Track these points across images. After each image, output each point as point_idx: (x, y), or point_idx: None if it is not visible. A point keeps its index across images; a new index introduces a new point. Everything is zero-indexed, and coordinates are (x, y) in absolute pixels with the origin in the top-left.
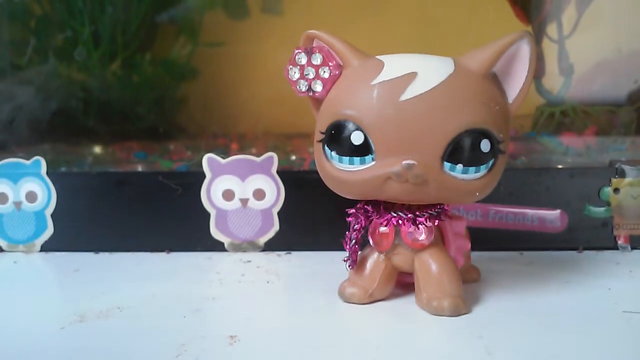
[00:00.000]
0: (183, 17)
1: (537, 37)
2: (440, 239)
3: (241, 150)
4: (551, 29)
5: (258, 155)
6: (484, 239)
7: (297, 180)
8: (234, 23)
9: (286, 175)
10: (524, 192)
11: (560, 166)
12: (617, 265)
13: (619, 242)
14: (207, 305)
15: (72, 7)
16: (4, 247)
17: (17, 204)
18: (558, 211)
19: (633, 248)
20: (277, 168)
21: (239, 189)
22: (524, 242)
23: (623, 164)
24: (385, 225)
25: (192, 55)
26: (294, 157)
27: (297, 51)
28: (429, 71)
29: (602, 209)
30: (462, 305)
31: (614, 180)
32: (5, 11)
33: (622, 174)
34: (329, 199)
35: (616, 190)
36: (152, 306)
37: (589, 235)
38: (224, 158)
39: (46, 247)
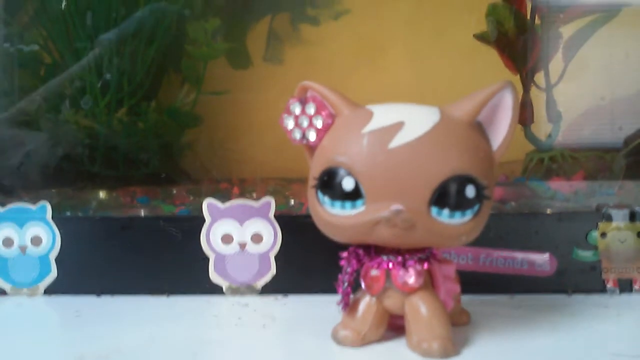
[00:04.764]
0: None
1: (526, 86)
2: (430, 283)
3: (242, 195)
4: (539, 78)
5: (257, 200)
6: (475, 282)
7: (293, 224)
8: (236, 72)
9: (283, 219)
10: (514, 236)
11: (548, 211)
12: (605, 308)
13: (608, 285)
14: (205, 348)
15: (80, 57)
16: (8, 291)
17: (22, 248)
18: (547, 255)
19: (621, 291)
20: (276, 212)
21: (238, 233)
22: (513, 286)
23: (609, 208)
24: (377, 269)
25: (195, 103)
26: (292, 202)
27: (291, 101)
28: (415, 120)
29: (590, 252)
30: (451, 347)
31: (600, 224)
32: (15, 59)
33: (608, 218)
34: (324, 243)
35: (603, 234)
36: (151, 349)
37: (577, 279)
38: (224, 203)
39: (50, 291)
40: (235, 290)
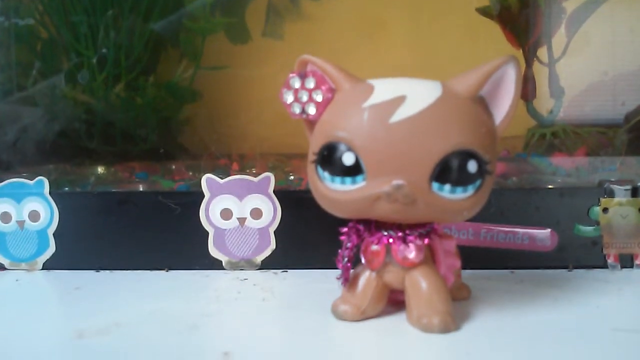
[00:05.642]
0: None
1: (528, 61)
2: (430, 258)
3: (242, 170)
4: (542, 53)
5: (256, 175)
6: (476, 257)
7: (293, 199)
8: (235, 47)
9: (282, 194)
10: (515, 211)
11: (550, 186)
12: (606, 283)
13: (609, 260)
14: (204, 322)
15: (77, 32)
16: (6, 265)
17: (20, 223)
18: (548, 230)
19: (622, 267)
20: (276, 187)
21: (237, 208)
22: (514, 261)
23: (612, 183)
24: (377, 244)
25: (194, 78)
26: (292, 177)
27: (291, 75)
28: (417, 95)
29: (591, 228)
30: (452, 322)
31: (602, 200)
32: (12, 34)
33: (610, 194)
34: (324, 218)
35: (605, 209)
36: (149, 323)
37: (579, 254)
38: (222, 178)
39: (48, 266)
40: (235, 265)
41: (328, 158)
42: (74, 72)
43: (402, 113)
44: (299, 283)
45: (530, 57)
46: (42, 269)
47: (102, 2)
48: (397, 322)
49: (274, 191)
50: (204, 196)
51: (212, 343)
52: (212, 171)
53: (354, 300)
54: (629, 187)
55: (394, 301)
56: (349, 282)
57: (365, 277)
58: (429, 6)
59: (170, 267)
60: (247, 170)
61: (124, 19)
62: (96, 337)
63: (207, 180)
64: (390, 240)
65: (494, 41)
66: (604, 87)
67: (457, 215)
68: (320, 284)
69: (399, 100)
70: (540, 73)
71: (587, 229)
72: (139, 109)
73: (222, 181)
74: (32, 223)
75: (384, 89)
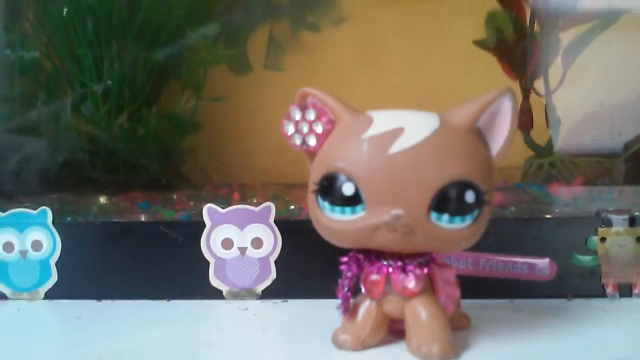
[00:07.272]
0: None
1: (525, 92)
2: (430, 287)
3: (243, 200)
4: (538, 84)
5: (257, 205)
6: (475, 287)
7: (293, 229)
8: (237, 78)
9: (283, 224)
10: (513, 241)
11: (548, 216)
12: (605, 313)
13: (608, 290)
14: (204, 351)
15: (81, 64)
16: (8, 295)
17: (23, 253)
18: (547, 260)
19: (621, 296)
20: (276, 217)
21: (238, 238)
22: (513, 290)
23: (609, 213)
24: (377, 273)
25: (196, 109)
26: (293, 207)
27: (292, 107)
28: (415, 126)
29: (589, 257)
30: (451, 351)
31: (600, 229)
32: (17, 67)
33: (608, 224)
34: (324, 248)
35: (603, 239)
36: (150, 352)
37: (577, 284)
38: (223, 208)
39: (50, 295)
40: (236, 295)
41: (328, 188)
42: (77, 103)
43: (400, 144)
44: (300, 313)
45: (527, 88)
46: (44, 299)
47: (106, 34)
48: (397, 351)
49: (274, 221)
50: (205, 226)
51: None
52: (214, 201)
53: (354, 330)
54: (626, 216)
55: (393, 330)
56: (349, 311)
57: (365, 307)
58: (428, 38)
59: (171, 297)
60: (248, 200)
61: (128, 51)
62: None
63: (208, 210)
64: (390, 269)
65: (492, 71)
66: (600, 117)
67: (456, 244)
68: (320, 314)
69: (398, 131)
70: (537, 104)
71: (585, 259)
72: (141, 140)
73: (223, 211)
74: (35, 253)
75: (382, 120)
